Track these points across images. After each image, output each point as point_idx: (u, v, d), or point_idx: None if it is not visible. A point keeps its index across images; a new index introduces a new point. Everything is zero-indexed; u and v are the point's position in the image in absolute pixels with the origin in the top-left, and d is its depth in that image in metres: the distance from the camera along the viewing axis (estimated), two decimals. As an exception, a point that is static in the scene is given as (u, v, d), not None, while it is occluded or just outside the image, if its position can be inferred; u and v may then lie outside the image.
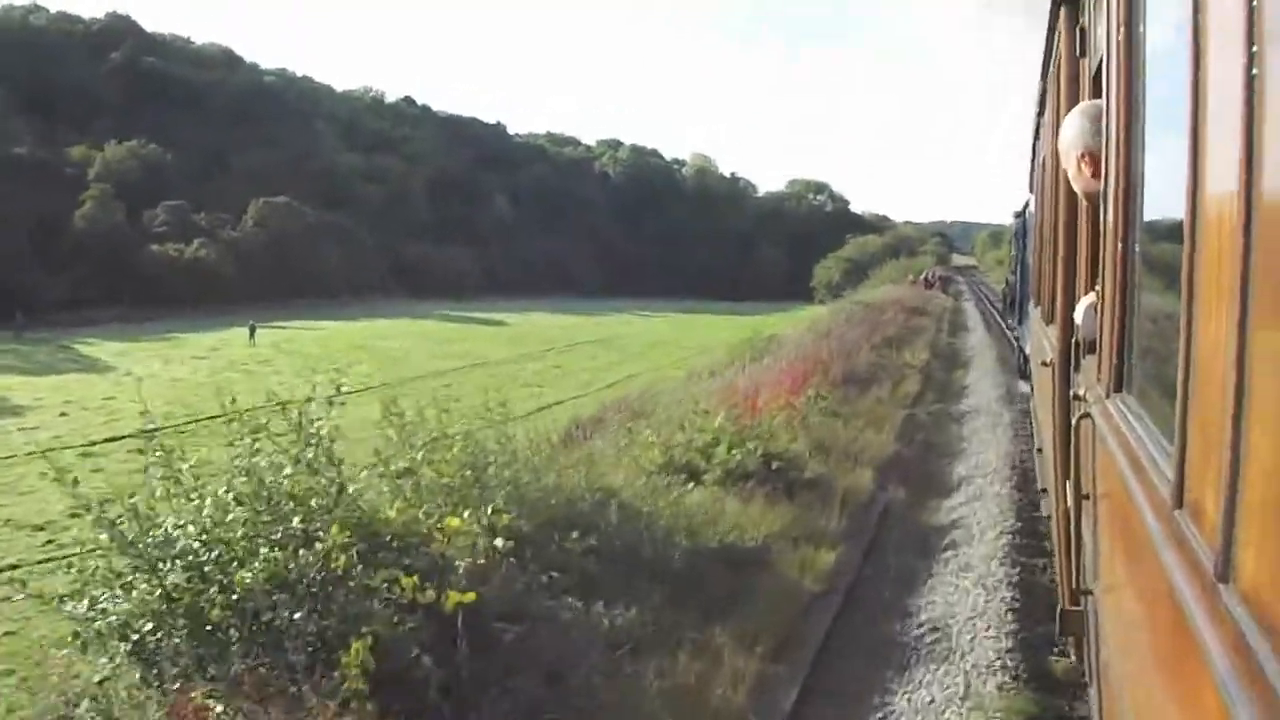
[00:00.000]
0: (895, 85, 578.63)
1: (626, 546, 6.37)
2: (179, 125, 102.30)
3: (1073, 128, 2.95)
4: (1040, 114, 6.21)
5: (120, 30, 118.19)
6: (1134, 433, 1.84)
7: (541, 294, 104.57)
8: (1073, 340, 3.33)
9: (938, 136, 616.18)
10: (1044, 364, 4.89)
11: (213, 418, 35.80)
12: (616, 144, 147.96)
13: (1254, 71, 0.97)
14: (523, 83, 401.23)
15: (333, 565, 4.76)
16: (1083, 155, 2.86)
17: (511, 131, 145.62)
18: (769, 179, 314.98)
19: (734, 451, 8.77)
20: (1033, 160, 8.50)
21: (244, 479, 5.19)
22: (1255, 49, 0.97)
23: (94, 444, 29.32)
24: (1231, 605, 1.00)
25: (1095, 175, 2.70)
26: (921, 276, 55.10)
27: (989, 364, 21.54)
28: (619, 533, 6.57)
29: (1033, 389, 9.09)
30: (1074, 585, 3.14)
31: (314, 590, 4.74)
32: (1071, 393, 3.34)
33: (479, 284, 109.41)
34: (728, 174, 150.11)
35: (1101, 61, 2.61)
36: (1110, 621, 2.26)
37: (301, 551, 4.82)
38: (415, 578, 4.75)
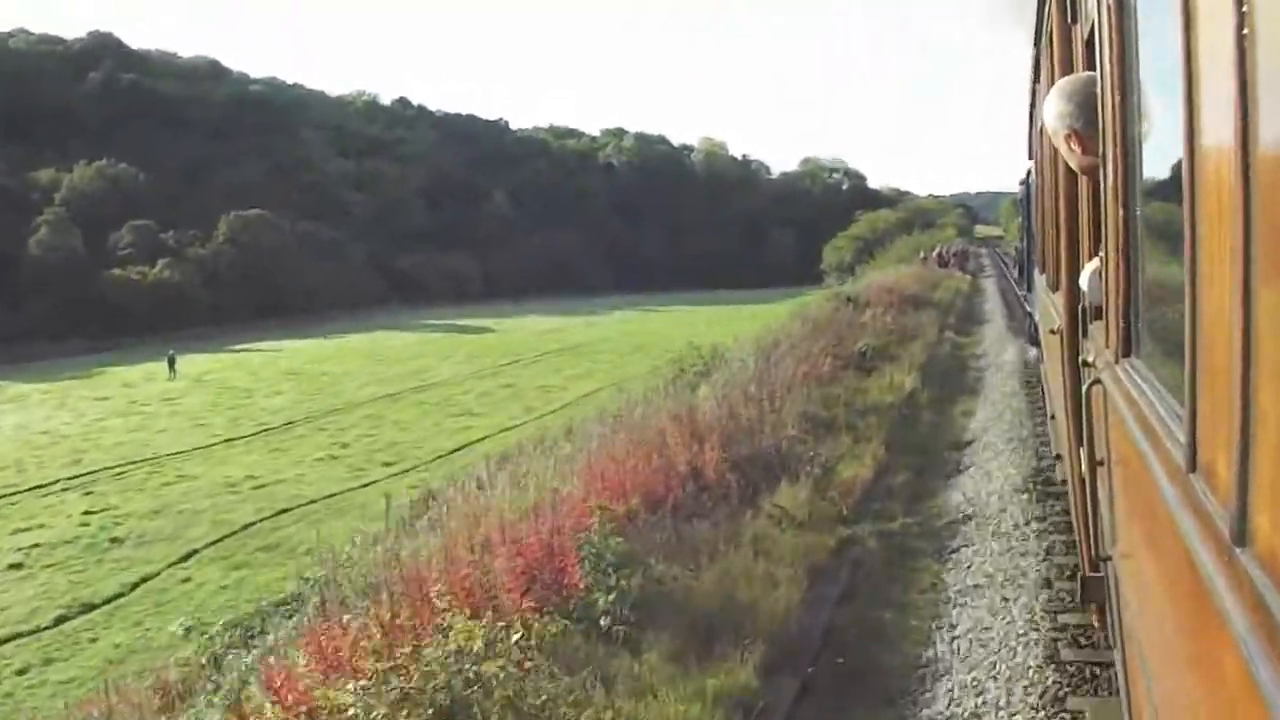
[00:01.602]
0: (910, 51, 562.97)
1: None
2: (160, 142, 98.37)
3: (1054, 111, 2.90)
4: (1035, 81, 6.22)
5: (103, 48, 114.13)
6: (1144, 397, 1.83)
7: (546, 294, 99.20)
8: (1079, 307, 3.28)
9: (956, 106, 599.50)
10: (1052, 331, 4.72)
11: (36, 487, 29.63)
12: (621, 132, 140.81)
13: (1245, 31, 0.98)
14: (523, 77, 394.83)
15: None
16: (1069, 135, 2.82)
17: (514, 127, 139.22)
18: (783, 160, 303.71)
19: None
20: (1030, 128, 8.27)
21: None
22: (1245, 8, 0.97)
23: None
24: (1249, 568, 1.00)
25: (1086, 152, 2.71)
26: (934, 253, 46.03)
27: (1011, 389, 13.99)
28: None
29: (1043, 355, 8.86)
30: (1093, 552, 3.11)
31: None
32: (1081, 359, 3.22)
33: (480, 288, 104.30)
34: (739, 157, 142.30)
35: (1093, 27, 2.66)
36: (1130, 586, 2.25)
37: None
38: None
